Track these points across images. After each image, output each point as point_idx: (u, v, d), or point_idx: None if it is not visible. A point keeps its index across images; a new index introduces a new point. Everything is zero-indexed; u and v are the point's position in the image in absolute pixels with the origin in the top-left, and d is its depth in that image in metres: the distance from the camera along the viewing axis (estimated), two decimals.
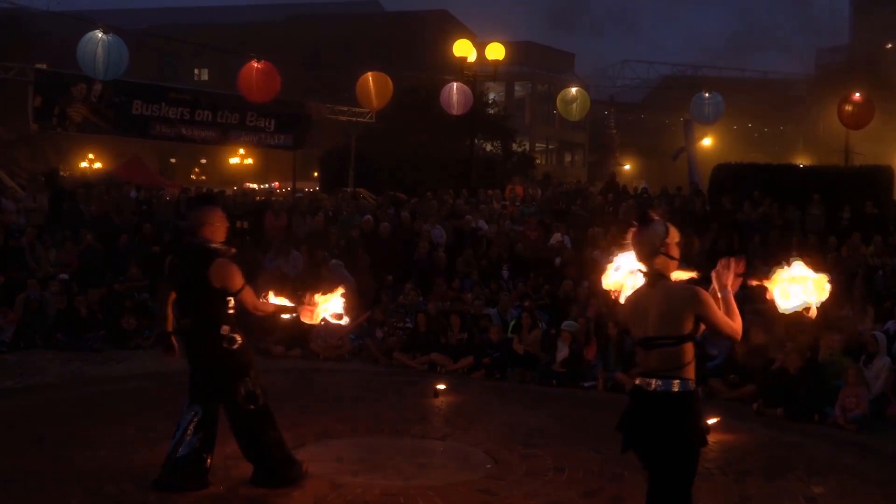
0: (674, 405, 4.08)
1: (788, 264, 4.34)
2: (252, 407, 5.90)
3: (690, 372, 4.10)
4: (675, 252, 4.21)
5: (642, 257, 4.20)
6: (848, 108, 18.00)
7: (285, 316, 6.22)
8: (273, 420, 6.05)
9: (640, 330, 4.20)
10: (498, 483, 6.42)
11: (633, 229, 4.24)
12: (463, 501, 5.99)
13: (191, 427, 5.88)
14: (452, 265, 14.20)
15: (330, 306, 6.13)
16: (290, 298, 6.24)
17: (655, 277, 4.17)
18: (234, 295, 5.79)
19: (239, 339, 5.88)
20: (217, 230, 5.92)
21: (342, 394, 9.59)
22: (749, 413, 9.25)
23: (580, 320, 11.28)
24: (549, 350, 10.92)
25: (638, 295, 4.27)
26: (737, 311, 4.17)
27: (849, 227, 14.94)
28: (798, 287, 4.30)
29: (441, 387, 9.60)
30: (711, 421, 8.18)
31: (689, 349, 4.10)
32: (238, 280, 5.80)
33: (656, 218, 4.24)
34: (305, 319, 6.14)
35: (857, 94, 18.14)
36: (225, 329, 5.83)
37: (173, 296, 6.03)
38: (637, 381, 4.20)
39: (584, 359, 10.84)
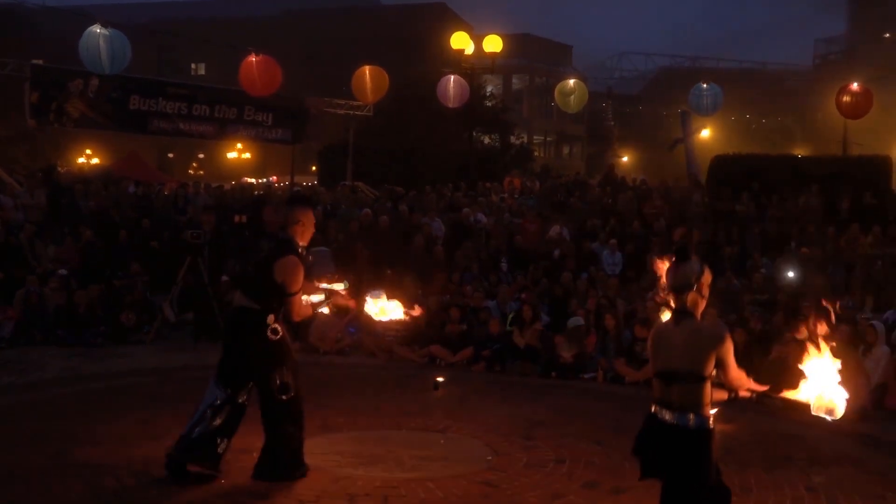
0: (688, 441, 4.14)
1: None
2: (284, 397, 5.96)
3: (707, 410, 4.16)
4: (706, 292, 4.28)
5: (675, 290, 4.26)
6: (846, 98, 17.94)
7: (323, 310, 6.44)
8: (299, 418, 6.09)
9: (661, 363, 4.25)
10: (498, 475, 6.43)
11: (671, 264, 4.31)
12: (463, 493, 6.00)
13: (209, 409, 5.96)
14: (451, 258, 14.20)
15: (374, 310, 6.44)
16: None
17: (682, 314, 4.23)
18: (290, 296, 5.92)
19: (280, 330, 6.04)
20: (306, 231, 6.10)
21: (342, 387, 9.59)
22: (749, 403, 9.26)
23: (580, 312, 11.29)
24: (549, 343, 10.92)
25: (663, 328, 4.34)
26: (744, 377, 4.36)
27: (847, 218, 14.93)
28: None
29: (441, 379, 9.61)
30: (711, 411, 8.22)
31: (708, 388, 4.15)
32: (297, 284, 5.94)
33: (694, 256, 4.31)
34: (347, 304, 6.38)
35: (856, 85, 18.10)
36: (270, 318, 5.99)
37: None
38: (653, 409, 4.26)
39: (585, 351, 10.86)
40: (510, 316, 11.79)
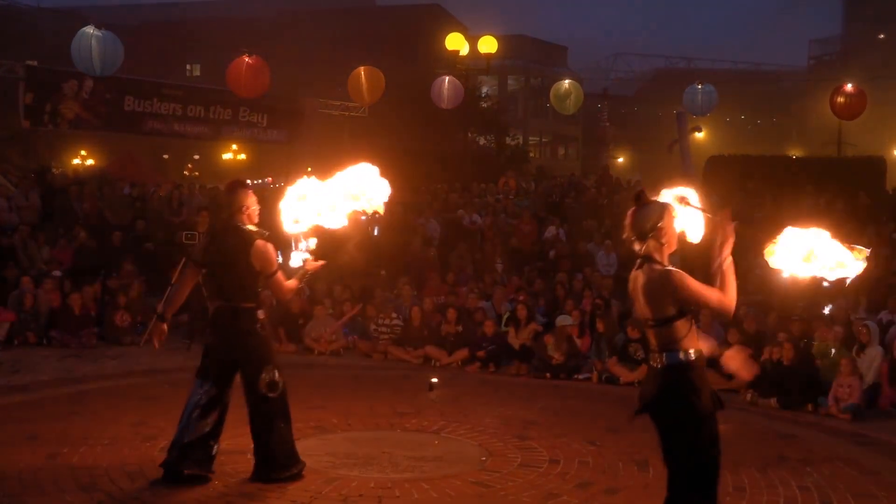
0: (674, 376, 4.16)
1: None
2: (272, 395, 5.96)
3: (688, 343, 4.15)
4: (667, 235, 4.22)
5: (634, 238, 4.25)
6: (840, 98, 18.00)
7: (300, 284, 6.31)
8: (287, 413, 6.10)
9: (638, 310, 4.37)
10: (492, 475, 6.43)
11: (630, 210, 4.30)
12: (458, 494, 6.00)
13: (196, 412, 5.92)
14: (446, 259, 14.20)
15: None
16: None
17: (644, 260, 4.24)
18: (269, 276, 5.94)
19: (267, 328, 6.06)
20: (252, 213, 6.08)
21: (336, 388, 9.59)
22: (742, 403, 9.29)
23: (574, 313, 11.30)
24: (541, 344, 10.93)
25: (632, 277, 4.36)
26: (732, 284, 4.19)
27: (842, 218, 14.95)
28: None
29: (435, 380, 9.60)
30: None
31: (681, 325, 4.15)
32: (275, 263, 5.97)
33: (653, 200, 4.28)
34: (315, 265, 6.15)
35: (850, 85, 18.15)
36: (261, 313, 6.02)
37: (192, 282, 6.15)
38: (650, 361, 4.35)
39: (579, 351, 10.87)
40: (505, 317, 11.81)
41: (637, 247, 4.26)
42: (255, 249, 5.90)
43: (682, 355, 4.15)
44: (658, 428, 4.24)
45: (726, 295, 4.17)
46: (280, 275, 6.01)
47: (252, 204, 6.09)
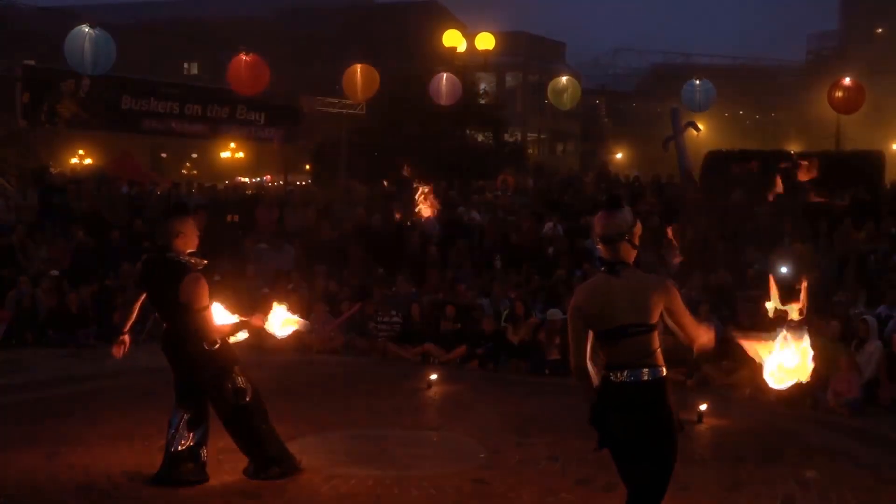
0: (646, 395, 4.00)
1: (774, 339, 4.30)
2: (241, 402, 5.90)
3: (659, 359, 4.03)
4: (637, 242, 4.16)
5: (606, 240, 4.13)
6: (839, 93, 17.95)
7: (241, 335, 6.06)
8: (264, 412, 6.05)
9: (604, 322, 4.03)
10: (491, 472, 6.42)
11: (601, 213, 4.18)
12: (456, 491, 5.99)
13: (182, 425, 5.89)
14: (445, 256, 14.18)
15: (276, 324, 6.13)
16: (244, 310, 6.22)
17: (618, 265, 4.09)
18: (197, 312, 5.65)
19: (217, 340, 5.83)
20: (189, 240, 5.82)
21: (335, 386, 9.59)
22: (742, 398, 9.28)
23: None
24: (541, 340, 10.92)
25: (597, 286, 4.14)
26: (709, 335, 4.18)
27: (840, 213, 14.93)
28: (788, 370, 4.29)
29: (434, 377, 9.60)
30: (702, 407, 8.23)
31: (656, 337, 4.04)
32: (204, 299, 5.69)
33: (625, 205, 4.20)
34: (259, 324, 6.07)
35: (848, 80, 18.11)
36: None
37: (140, 300, 6.07)
38: (604, 376, 4.06)
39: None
40: (504, 313, 11.79)
41: (606, 250, 4.12)
42: (185, 281, 5.65)
43: (660, 371, 4.01)
44: (633, 448, 4.01)
45: (700, 328, 4.16)
46: (208, 312, 5.73)
47: (188, 230, 5.81)
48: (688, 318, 4.08)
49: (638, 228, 4.16)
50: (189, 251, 5.82)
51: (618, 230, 4.10)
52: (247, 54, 16.42)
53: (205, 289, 5.71)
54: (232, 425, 5.98)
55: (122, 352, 6.09)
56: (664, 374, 4.04)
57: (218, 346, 5.82)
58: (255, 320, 6.04)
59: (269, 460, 6.05)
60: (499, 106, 37.05)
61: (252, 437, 6.00)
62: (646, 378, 3.98)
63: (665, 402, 4.02)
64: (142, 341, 11.70)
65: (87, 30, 14.51)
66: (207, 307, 5.73)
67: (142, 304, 6.10)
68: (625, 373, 3.99)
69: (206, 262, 5.86)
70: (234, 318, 6.01)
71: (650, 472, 4.01)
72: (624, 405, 4.00)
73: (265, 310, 6.18)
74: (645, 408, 3.99)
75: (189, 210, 6.39)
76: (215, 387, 5.87)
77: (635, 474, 4.04)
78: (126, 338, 6.08)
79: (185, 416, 5.90)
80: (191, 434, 5.89)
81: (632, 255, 4.13)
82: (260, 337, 6.82)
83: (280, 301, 6.33)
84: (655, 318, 4.02)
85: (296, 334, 6.58)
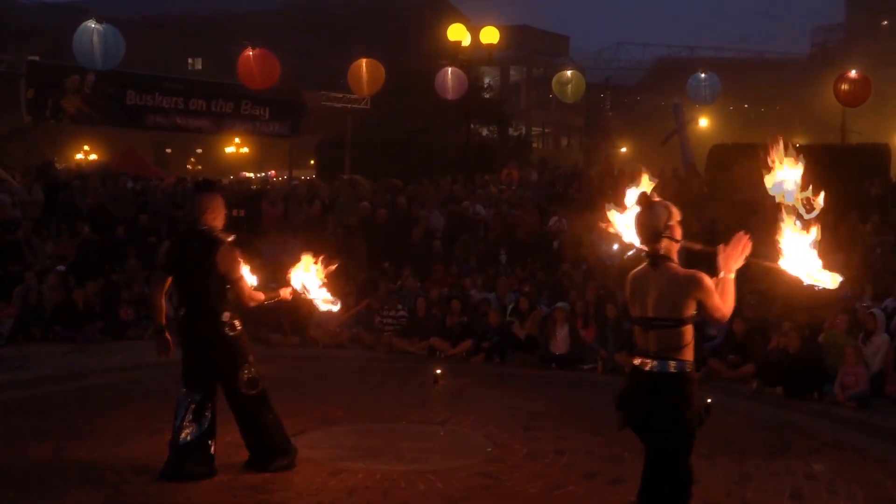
0: (670, 386, 4.12)
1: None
2: (253, 392, 5.93)
3: (688, 354, 4.13)
4: (678, 233, 4.23)
5: (645, 240, 4.22)
6: (844, 86, 17.90)
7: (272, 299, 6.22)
8: (270, 404, 6.08)
9: (639, 309, 4.25)
10: (498, 466, 6.42)
11: (637, 213, 4.25)
12: (463, 485, 5.99)
13: (189, 415, 5.89)
14: (450, 251, 14.18)
15: (314, 287, 6.12)
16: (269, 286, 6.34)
17: (659, 259, 4.19)
18: (234, 281, 5.84)
19: (238, 325, 5.95)
20: (218, 217, 5.99)
21: (341, 380, 9.60)
22: (749, 392, 9.27)
23: (579, 303, 11.28)
24: (548, 333, 10.91)
25: (639, 275, 4.30)
26: (731, 294, 4.18)
27: (846, 206, 14.89)
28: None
29: (440, 372, 9.59)
30: (709, 400, 8.21)
31: (688, 331, 4.13)
32: (240, 268, 5.89)
33: (657, 200, 4.25)
34: (287, 295, 6.19)
35: (854, 72, 18.04)
36: (226, 316, 5.90)
37: (167, 285, 6.06)
38: (636, 361, 4.25)
39: (584, 341, 10.85)
40: (510, 307, 11.78)
41: (649, 247, 4.21)
42: (221, 251, 5.80)
43: (687, 366, 4.13)
44: (645, 433, 4.22)
45: (727, 304, 4.20)
46: (244, 281, 5.91)
47: (218, 207, 5.99)
48: (716, 306, 4.13)
49: (675, 218, 4.19)
50: (218, 228, 5.95)
51: (654, 230, 4.18)
52: (253, 49, 16.40)
53: (239, 259, 5.88)
54: (240, 413, 6.00)
55: (169, 350, 6.00)
56: (690, 368, 4.14)
57: (238, 332, 5.92)
58: (284, 293, 6.14)
59: (274, 451, 6.06)
60: (503, 100, 37.07)
61: (256, 427, 6.02)
62: (672, 370, 4.12)
63: (686, 396, 4.12)
64: (148, 337, 11.83)
65: (94, 25, 14.51)
66: (242, 277, 5.90)
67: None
68: (653, 362, 4.15)
69: (234, 235, 5.99)
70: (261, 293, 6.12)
71: (664, 456, 4.20)
72: (648, 393, 4.16)
73: (294, 266, 6.17)
74: (667, 399, 4.11)
75: (216, 188, 6.45)
76: (231, 374, 5.90)
77: (650, 453, 4.24)
78: (168, 335, 5.99)
79: (192, 406, 5.91)
80: (198, 425, 5.90)
81: (674, 248, 4.22)
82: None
83: (313, 260, 6.19)
84: (687, 314, 4.12)
85: (328, 314, 6.60)
